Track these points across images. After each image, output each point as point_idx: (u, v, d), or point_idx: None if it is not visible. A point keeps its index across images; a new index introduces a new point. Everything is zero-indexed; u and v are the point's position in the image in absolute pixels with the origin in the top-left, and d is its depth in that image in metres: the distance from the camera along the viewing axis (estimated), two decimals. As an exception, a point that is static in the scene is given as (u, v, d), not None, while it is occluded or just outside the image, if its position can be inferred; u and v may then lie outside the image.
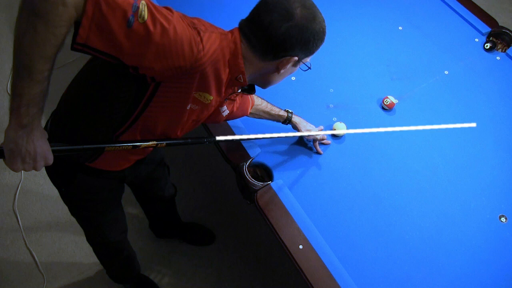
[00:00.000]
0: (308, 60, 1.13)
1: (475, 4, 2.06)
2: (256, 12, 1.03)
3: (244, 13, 1.08)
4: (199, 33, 0.93)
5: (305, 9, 1.01)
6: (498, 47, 1.92)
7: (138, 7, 0.82)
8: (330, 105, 1.72)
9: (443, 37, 1.95)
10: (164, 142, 1.14)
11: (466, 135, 1.66)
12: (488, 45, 1.91)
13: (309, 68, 1.16)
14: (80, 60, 2.72)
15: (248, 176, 1.46)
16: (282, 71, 1.10)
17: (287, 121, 1.53)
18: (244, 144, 1.54)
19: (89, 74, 1.10)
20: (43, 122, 1.01)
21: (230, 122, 1.55)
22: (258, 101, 1.47)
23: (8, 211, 2.17)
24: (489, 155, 1.61)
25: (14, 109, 0.86)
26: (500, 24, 1.97)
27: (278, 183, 1.46)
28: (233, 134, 1.54)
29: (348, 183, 1.52)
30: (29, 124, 0.88)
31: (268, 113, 1.50)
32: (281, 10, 0.99)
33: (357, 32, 1.95)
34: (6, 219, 2.15)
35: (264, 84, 1.20)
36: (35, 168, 0.94)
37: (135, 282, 1.94)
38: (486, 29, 1.95)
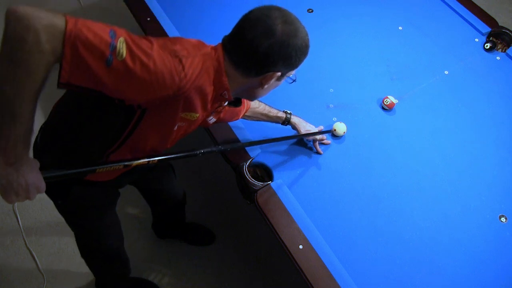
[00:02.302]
0: (292, 73, 1.14)
1: (475, 4, 2.06)
2: (238, 29, 1.04)
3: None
4: (181, 60, 0.93)
5: (287, 25, 1.01)
6: (498, 47, 1.92)
7: (115, 46, 0.83)
8: (330, 105, 1.72)
9: (443, 37, 1.95)
10: (156, 159, 1.15)
11: (466, 135, 1.66)
12: (488, 45, 1.91)
13: (294, 81, 1.16)
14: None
15: (248, 176, 1.46)
16: (265, 86, 1.11)
17: (286, 122, 1.53)
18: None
19: (75, 99, 1.10)
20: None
21: (230, 123, 1.55)
22: (256, 104, 1.47)
23: (8, 211, 2.17)
24: (489, 155, 1.61)
25: (1, 149, 0.87)
26: (500, 24, 1.97)
27: (278, 183, 1.46)
28: (234, 134, 1.54)
29: (348, 183, 1.52)
30: (17, 161, 0.89)
31: (266, 115, 1.50)
32: (262, 27, 0.99)
33: (357, 32, 1.95)
34: (6, 219, 2.15)
35: (250, 97, 1.21)
36: (29, 198, 0.96)
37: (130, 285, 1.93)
38: (486, 29, 1.95)
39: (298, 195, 1.46)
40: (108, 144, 1.08)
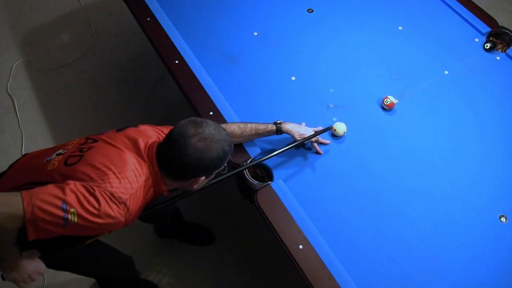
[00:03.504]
0: (221, 168, 1.22)
1: (475, 4, 2.06)
2: (163, 146, 1.17)
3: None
4: (125, 204, 1.11)
5: (201, 142, 1.11)
6: (498, 47, 1.92)
7: (67, 218, 1.04)
8: (330, 105, 1.72)
9: (443, 37, 1.95)
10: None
11: (466, 135, 1.66)
12: (488, 45, 1.91)
13: (226, 168, 1.26)
14: (81, 59, 2.72)
15: (248, 176, 1.46)
16: (195, 186, 1.24)
17: (279, 132, 1.51)
18: (244, 144, 1.54)
19: None
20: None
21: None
22: (241, 127, 1.46)
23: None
24: (489, 155, 1.61)
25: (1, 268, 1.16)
26: (500, 24, 1.97)
27: (278, 183, 1.46)
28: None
29: (348, 183, 1.52)
30: (14, 266, 1.16)
31: (256, 134, 1.49)
32: (179, 147, 1.12)
33: (357, 32, 1.95)
34: (6, 219, 2.15)
35: (187, 190, 1.31)
36: (35, 281, 1.21)
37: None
38: (486, 29, 1.95)
39: (298, 195, 1.46)
40: None
